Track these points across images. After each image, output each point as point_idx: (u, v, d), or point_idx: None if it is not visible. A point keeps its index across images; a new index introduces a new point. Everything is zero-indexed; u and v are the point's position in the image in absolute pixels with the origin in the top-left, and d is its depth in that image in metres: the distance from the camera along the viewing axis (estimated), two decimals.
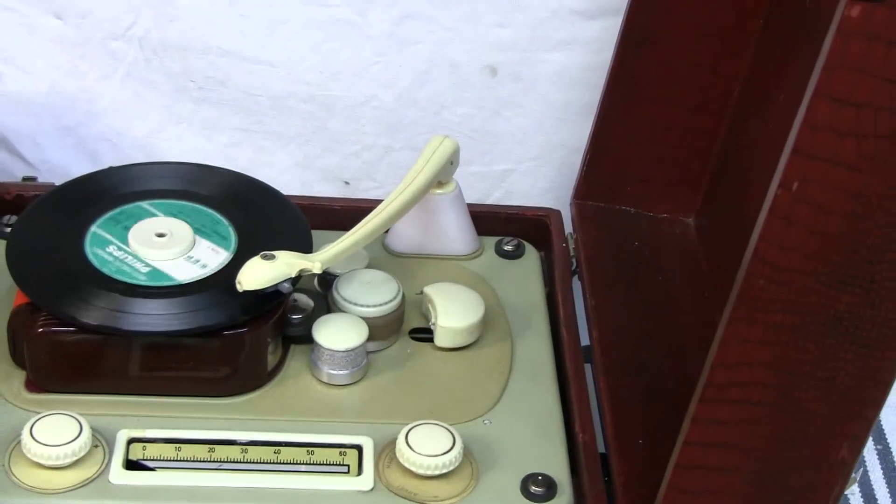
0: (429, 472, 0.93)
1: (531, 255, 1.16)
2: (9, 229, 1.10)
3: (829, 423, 0.81)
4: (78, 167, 1.24)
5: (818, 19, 0.99)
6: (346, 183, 1.26)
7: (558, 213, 1.18)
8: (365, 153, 1.25)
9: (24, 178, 1.16)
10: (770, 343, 0.77)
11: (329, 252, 0.98)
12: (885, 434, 1.15)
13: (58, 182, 1.21)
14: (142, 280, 0.98)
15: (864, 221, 0.73)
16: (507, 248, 1.15)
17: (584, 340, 1.09)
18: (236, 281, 0.95)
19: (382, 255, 1.12)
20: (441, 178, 1.08)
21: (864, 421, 0.80)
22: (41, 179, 1.23)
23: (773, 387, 0.79)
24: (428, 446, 0.93)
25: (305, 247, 1.01)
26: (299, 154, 1.25)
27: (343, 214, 1.15)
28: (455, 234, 1.13)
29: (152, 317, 0.95)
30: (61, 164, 1.24)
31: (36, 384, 0.97)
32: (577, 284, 1.14)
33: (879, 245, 0.73)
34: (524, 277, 1.13)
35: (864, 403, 0.80)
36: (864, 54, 0.67)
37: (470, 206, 1.14)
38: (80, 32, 1.17)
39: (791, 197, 0.71)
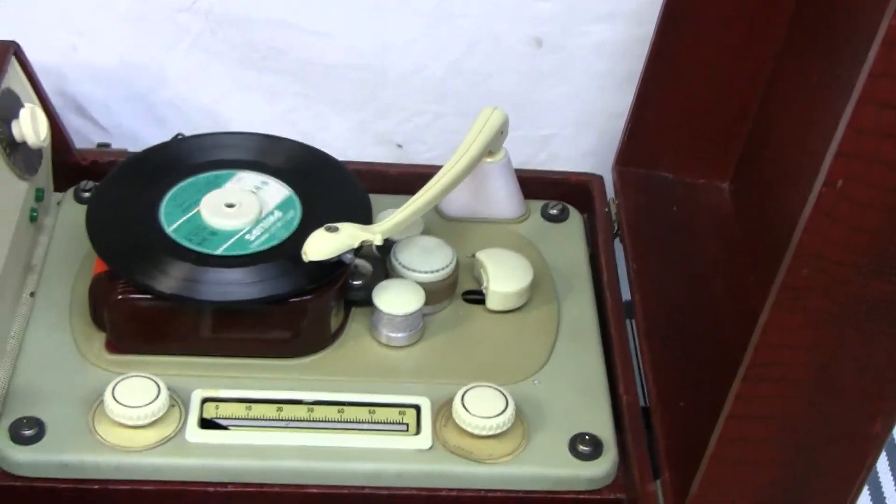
0: (484, 433, 0.94)
1: (575, 219, 1.16)
2: (86, 194, 1.10)
3: (864, 399, 0.81)
4: (147, 131, 1.25)
5: (841, 6, 0.99)
6: (399, 146, 1.26)
7: (600, 178, 1.18)
8: (416, 118, 1.25)
9: (99, 145, 1.17)
10: (810, 327, 0.77)
11: (389, 223, 0.99)
12: None
13: (130, 148, 1.22)
14: (212, 249, 0.98)
15: None
16: (553, 211, 1.15)
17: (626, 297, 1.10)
18: (302, 251, 0.95)
19: (436, 219, 1.12)
20: (491, 147, 1.07)
21: None
22: (114, 144, 1.24)
23: (812, 366, 0.79)
24: (483, 408, 0.94)
25: (366, 218, 1.02)
26: (354, 119, 1.25)
27: (398, 179, 1.15)
28: (504, 200, 1.13)
29: (223, 286, 0.96)
30: (131, 128, 1.24)
31: (115, 346, 0.98)
32: (618, 247, 1.13)
33: None
34: (569, 240, 1.14)
35: None
36: None
37: (517, 171, 1.14)
38: (148, 6, 1.17)
39: (835, 195, 0.71)
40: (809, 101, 1.05)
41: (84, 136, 1.23)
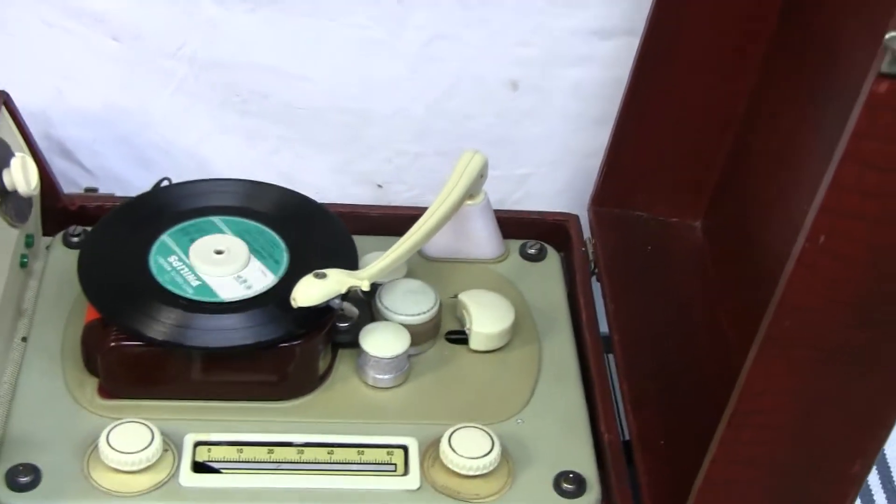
0: (471, 473, 0.94)
1: (553, 258, 1.16)
2: (75, 239, 1.10)
3: (844, 442, 0.81)
4: (132, 174, 1.25)
5: (817, 46, 1.00)
6: (379, 186, 1.26)
7: (576, 217, 1.18)
8: (396, 159, 1.25)
9: (86, 189, 1.17)
10: (793, 375, 0.77)
11: (375, 268, 0.99)
12: None
13: (116, 191, 1.21)
14: (201, 295, 0.97)
15: (882, 269, 0.73)
16: (531, 251, 1.15)
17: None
18: (291, 297, 0.95)
19: (418, 260, 1.12)
20: (472, 190, 1.07)
21: (876, 440, 0.81)
22: (99, 186, 1.24)
23: (794, 412, 0.80)
24: (469, 448, 0.94)
25: (352, 262, 1.02)
26: (336, 160, 1.25)
27: (379, 220, 1.15)
28: (484, 241, 1.13)
29: (213, 332, 0.96)
30: (117, 170, 1.24)
31: (108, 391, 0.98)
32: (595, 284, 1.14)
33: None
34: (547, 279, 1.14)
35: (877, 425, 0.80)
36: (889, 124, 0.67)
37: (496, 211, 1.13)
38: (134, 52, 1.17)
39: (817, 249, 0.72)
40: (780, 141, 1.06)
41: (70, 179, 1.23)
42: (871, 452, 0.82)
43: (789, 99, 1.04)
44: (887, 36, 0.64)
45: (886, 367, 0.77)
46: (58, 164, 1.21)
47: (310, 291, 0.95)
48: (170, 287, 0.98)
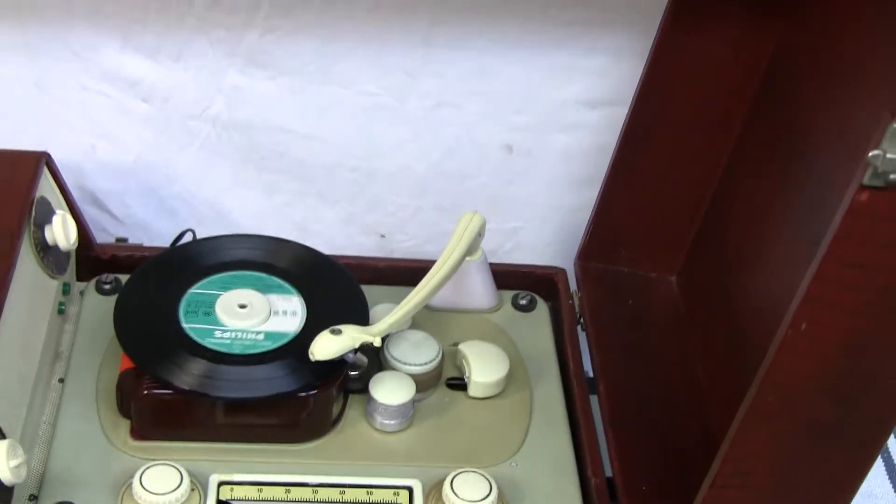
0: None
1: (542, 308, 1.16)
2: (107, 286, 1.10)
3: (819, 491, 0.82)
4: (158, 222, 1.25)
5: (788, 126, 1.00)
6: (382, 236, 1.27)
7: (564, 271, 1.18)
8: (399, 212, 1.25)
9: (117, 239, 1.16)
10: (774, 443, 0.78)
11: (385, 324, 0.99)
12: None
13: (143, 238, 1.22)
14: (226, 348, 0.97)
15: (857, 353, 0.74)
16: (522, 302, 1.16)
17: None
18: (309, 352, 0.95)
19: (421, 309, 1.11)
20: (471, 248, 1.08)
21: (844, 500, 0.82)
22: (127, 233, 1.24)
23: (773, 475, 0.80)
24: (469, 492, 0.94)
25: (363, 317, 1.02)
26: (344, 212, 1.25)
27: (386, 271, 1.16)
28: (481, 293, 1.13)
29: (237, 382, 0.96)
30: (144, 219, 1.24)
31: (140, 433, 0.97)
32: (581, 333, 1.14)
33: (870, 371, 0.75)
34: (537, 328, 1.14)
35: (846, 487, 0.81)
36: (868, 229, 0.68)
37: (490, 263, 1.14)
38: (162, 113, 1.17)
39: (799, 335, 0.72)
40: (750, 208, 1.06)
41: (100, 226, 1.23)
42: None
43: (761, 171, 1.05)
44: (870, 154, 0.65)
45: (853, 438, 0.78)
46: (89, 213, 1.21)
47: (326, 346, 0.95)
48: (197, 339, 0.98)
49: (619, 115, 1.13)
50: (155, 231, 1.24)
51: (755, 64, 1.05)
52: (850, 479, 0.80)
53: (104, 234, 1.22)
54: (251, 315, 1.00)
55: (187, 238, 1.17)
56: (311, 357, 0.95)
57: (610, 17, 1.13)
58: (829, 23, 0.96)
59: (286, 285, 1.04)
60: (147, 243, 1.17)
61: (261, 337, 0.99)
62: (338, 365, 0.97)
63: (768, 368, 0.74)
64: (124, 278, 1.09)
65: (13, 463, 0.85)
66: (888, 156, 0.65)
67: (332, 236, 1.25)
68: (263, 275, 1.04)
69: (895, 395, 0.76)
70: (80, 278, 1.12)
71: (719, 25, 1.03)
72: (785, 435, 0.77)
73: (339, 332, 0.96)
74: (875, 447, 0.79)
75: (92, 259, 1.12)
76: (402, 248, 1.28)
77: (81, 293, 1.10)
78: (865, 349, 0.73)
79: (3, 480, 0.84)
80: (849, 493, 0.81)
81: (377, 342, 0.97)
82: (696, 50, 1.05)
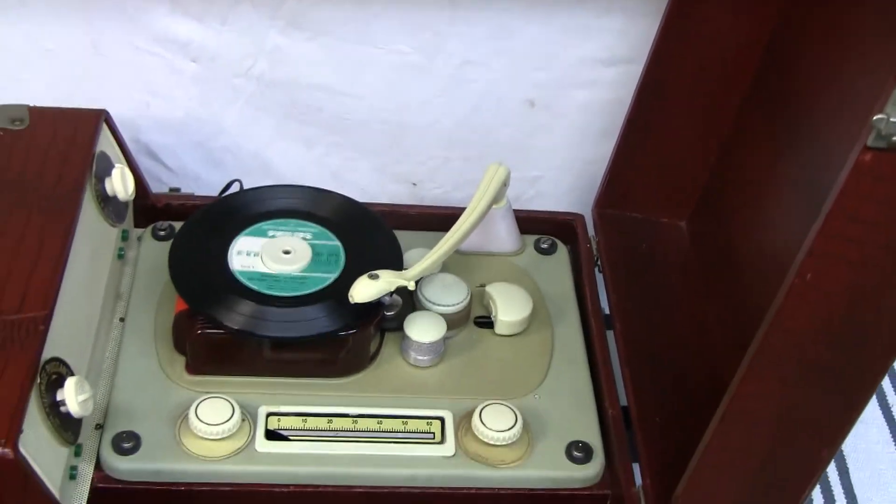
0: (498, 443, 0.95)
1: (562, 251, 1.16)
2: (162, 233, 1.10)
3: (815, 434, 0.83)
4: (206, 172, 1.25)
5: (793, 88, 1.00)
6: (414, 184, 1.27)
7: (582, 217, 1.18)
8: (429, 162, 1.25)
9: (171, 189, 1.17)
10: (778, 383, 0.78)
11: (418, 269, 0.99)
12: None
13: (193, 187, 1.22)
14: (272, 290, 0.98)
15: (858, 303, 0.74)
16: (544, 245, 1.16)
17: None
18: (349, 295, 0.95)
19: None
20: (497, 197, 1.07)
21: (841, 434, 0.82)
22: (178, 182, 1.24)
23: (777, 412, 0.80)
24: (496, 423, 0.95)
25: (398, 263, 1.02)
26: (377, 162, 1.25)
27: (417, 218, 1.16)
28: (505, 238, 1.13)
29: (283, 323, 0.96)
30: (194, 169, 1.24)
31: (194, 369, 0.98)
32: (598, 275, 1.14)
33: (869, 320, 0.75)
34: (557, 270, 1.14)
35: (844, 421, 0.81)
36: (870, 187, 0.68)
37: (515, 210, 1.14)
38: (210, 72, 1.17)
39: (805, 284, 0.72)
40: (756, 161, 1.06)
41: (154, 176, 1.23)
42: (836, 443, 0.83)
43: (766, 129, 1.05)
44: (875, 118, 0.64)
45: (851, 381, 0.79)
46: (145, 164, 1.21)
47: (365, 290, 0.95)
48: (245, 282, 0.98)
49: (633, 72, 1.13)
50: (204, 180, 1.24)
51: (760, 27, 1.04)
52: (845, 419, 0.81)
53: (158, 184, 1.23)
54: (295, 260, 1.01)
55: (234, 188, 1.17)
56: (350, 300, 0.95)
57: None
58: None
59: (327, 232, 1.04)
60: (198, 192, 1.17)
61: (304, 280, 0.99)
62: (375, 307, 0.98)
63: (775, 315, 0.74)
64: (177, 225, 1.09)
65: (81, 398, 0.85)
66: (892, 119, 0.64)
67: (366, 184, 1.25)
68: (306, 222, 1.04)
69: (891, 343, 0.76)
70: (137, 225, 1.12)
71: None
72: (788, 378, 0.78)
73: (377, 276, 0.96)
74: (870, 390, 0.79)
75: (148, 207, 1.12)
76: (431, 195, 1.28)
77: (139, 239, 1.10)
78: (865, 300, 0.73)
79: (72, 413, 0.85)
80: (846, 426, 0.81)
81: (411, 286, 0.97)
82: (706, 13, 1.05)
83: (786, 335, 0.75)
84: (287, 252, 1.01)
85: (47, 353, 0.85)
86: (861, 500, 1.13)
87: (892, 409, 1.20)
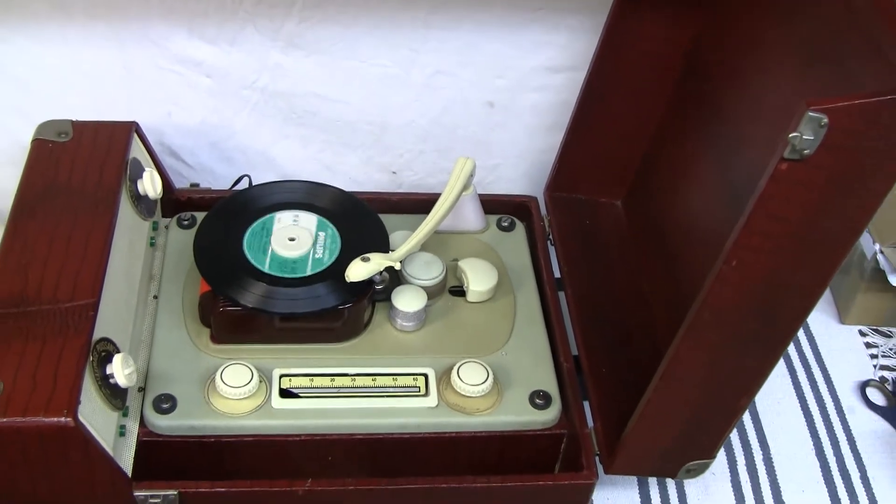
0: (473, 395, 0.95)
1: (520, 229, 1.15)
2: (186, 222, 1.09)
3: (736, 387, 0.83)
4: (220, 168, 1.23)
5: (710, 91, 0.99)
6: (394, 172, 1.25)
7: (535, 199, 1.17)
8: (406, 154, 1.24)
9: (191, 185, 1.15)
10: (707, 350, 0.78)
11: (402, 251, 0.99)
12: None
13: (209, 180, 1.20)
14: (281, 272, 0.97)
15: (773, 282, 0.74)
16: (504, 224, 1.15)
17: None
18: (345, 275, 0.95)
19: None
20: (465, 186, 1.06)
21: (756, 385, 0.83)
22: (195, 175, 1.22)
23: (705, 372, 0.81)
24: (471, 377, 0.95)
25: (385, 246, 1.01)
26: (364, 155, 1.24)
27: (398, 203, 1.14)
28: (473, 219, 1.12)
29: (290, 300, 0.96)
30: (210, 165, 1.23)
31: (217, 339, 0.97)
32: (551, 249, 1.14)
33: (782, 294, 0.75)
34: (516, 245, 1.13)
35: (758, 374, 0.82)
36: (786, 191, 0.68)
37: (479, 195, 1.12)
38: (221, 86, 1.15)
39: (730, 270, 0.72)
40: (680, 151, 1.06)
41: (176, 171, 1.21)
42: (752, 393, 0.85)
43: (688, 125, 1.05)
44: (790, 135, 0.64)
45: (765, 344, 0.79)
46: (168, 162, 1.19)
47: (359, 271, 0.95)
48: (258, 266, 0.97)
49: (577, 78, 1.12)
50: (219, 174, 1.22)
51: (681, 42, 1.03)
52: (760, 374, 0.81)
53: (180, 178, 1.21)
54: (299, 246, 1.00)
55: (244, 182, 1.16)
56: (346, 279, 0.94)
57: (571, 2, 1.11)
58: (737, 12, 0.94)
59: (325, 221, 1.02)
60: (214, 186, 1.16)
61: (307, 263, 0.98)
62: (367, 284, 0.97)
63: (706, 294, 0.74)
64: (198, 215, 1.08)
65: (127, 371, 0.85)
66: (804, 137, 0.64)
67: (354, 174, 1.24)
68: (307, 213, 1.03)
69: (798, 312, 0.76)
70: (164, 215, 1.10)
71: (654, 12, 1.02)
72: (715, 344, 0.78)
73: (368, 259, 0.95)
74: (781, 350, 0.81)
75: (173, 201, 1.11)
76: (409, 181, 1.27)
77: (166, 227, 1.09)
78: (778, 279, 0.74)
79: (120, 384, 0.84)
80: (760, 378, 0.82)
81: (397, 266, 0.96)
82: (637, 28, 1.04)
83: (714, 310, 0.75)
84: (292, 239, 1.00)
85: (97, 335, 0.84)
86: (764, 423, 1.14)
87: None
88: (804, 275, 0.74)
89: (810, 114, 0.63)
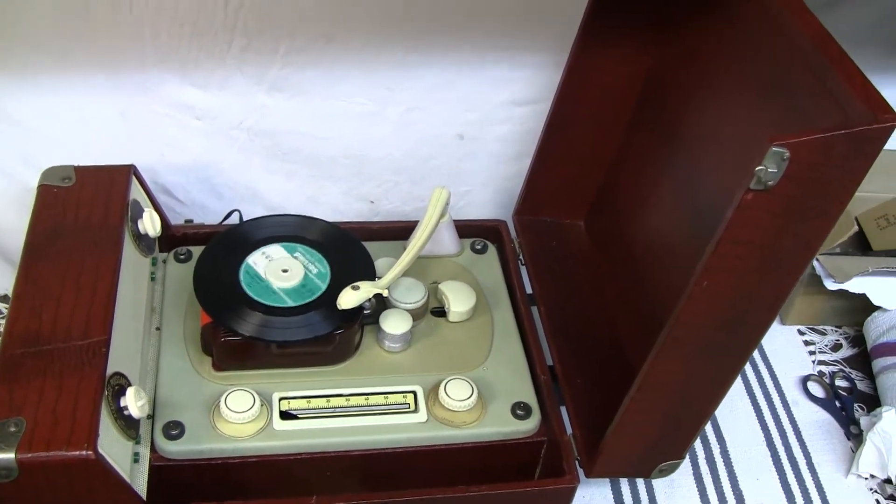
0: (459, 409, 0.94)
1: (492, 251, 1.15)
2: (182, 256, 1.07)
3: (707, 395, 0.83)
4: (210, 202, 1.21)
5: (666, 121, 1.00)
6: (372, 202, 1.25)
7: (505, 222, 1.17)
8: (383, 185, 1.24)
9: (186, 221, 1.13)
10: (679, 362, 0.78)
11: (388, 278, 0.98)
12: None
13: (201, 215, 1.18)
14: (275, 302, 0.96)
15: (740, 301, 0.74)
16: (477, 247, 1.14)
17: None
18: (337, 303, 0.94)
19: None
20: (442, 213, 1.06)
21: (723, 393, 0.83)
22: (187, 210, 1.21)
23: (678, 383, 0.81)
24: (457, 393, 0.95)
25: (371, 274, 1.00)
26: (344, 187, 1.23)
27: (378, 231, 1.13)
28: (449, 244, 1.12)
29: (285, 329, 0.95)
30: (200, 200, 1.21)
31: (219, 367, 0.96)
32: (522, 269, 1.13)
33: (746, 311, 0.75)
34: (489, 267, 1.12)
35: (725, 383, 0.82)
36: (752, 218, 0.68)
37: (453, 219, 1.12)
38: (211, 126, 1.14)
39: (701, 290, 0.72)
40: (638, 176, 1.06)
41: (169, 207, 1.19)
42: (718, 400, 0.85)
43: (645, 152, 1.05)
44: (756, 168, 0.64)
45: (732, 355, 0.80)
46: (161, 198, 1.17)
47: (350, 298, 0.94)
48: (254, 296, 0.96)
49: (541, 110, 1.12)
50: (210, 209, 1.21)
51: (639, 74, 1.03)
52: (726, 382, 0.81)
53: (174, 214, 1.19)
54: (291, 277, 0.98)
55: (234, 216, 1.14)
56: (338, 307, 0.94)
57: (534, 43, 1.11)
58: (692, 48, 0.95)
59: (315, 252, 1.01)
60: (205, 220, 1.14)
61: (300, 293, 0.97)
62: (357, 310, 0.96)
63: (679, 312, 0.74)
64: (194, 249, 1.07)
65: (139, 403, 0.83)
66: (769, 169, 0.64)
67: (336, 204, 1.23)
68: (298, 245, 1.02)
69: (762, 323, 0.77)
70: (160, 250, 1.09)
71: (612, 49, 1.02)
72: (687, 357, 0.78)
73: (358, 287, 0.94)
74: (745, 358, 0.81)
75: (169, 236, 1.09)
76: (385, 210, 1.26)
77: (164, 262, 1.07)
78: (744, 295, 0.74)
79: (133, 416, 0.83)
80: (724, 391, 0.82)
81: (385, 293, 0.96)
82: (597, 64, 1.04)
83: (686, 327, 0.75)
84: (285, 270, 0.99)
85: (110, 369, 0.83)
86: (720, 419, 1.14)
87: None
88: (767, 290, 0.74)
89: (774, 149, 0.64)
